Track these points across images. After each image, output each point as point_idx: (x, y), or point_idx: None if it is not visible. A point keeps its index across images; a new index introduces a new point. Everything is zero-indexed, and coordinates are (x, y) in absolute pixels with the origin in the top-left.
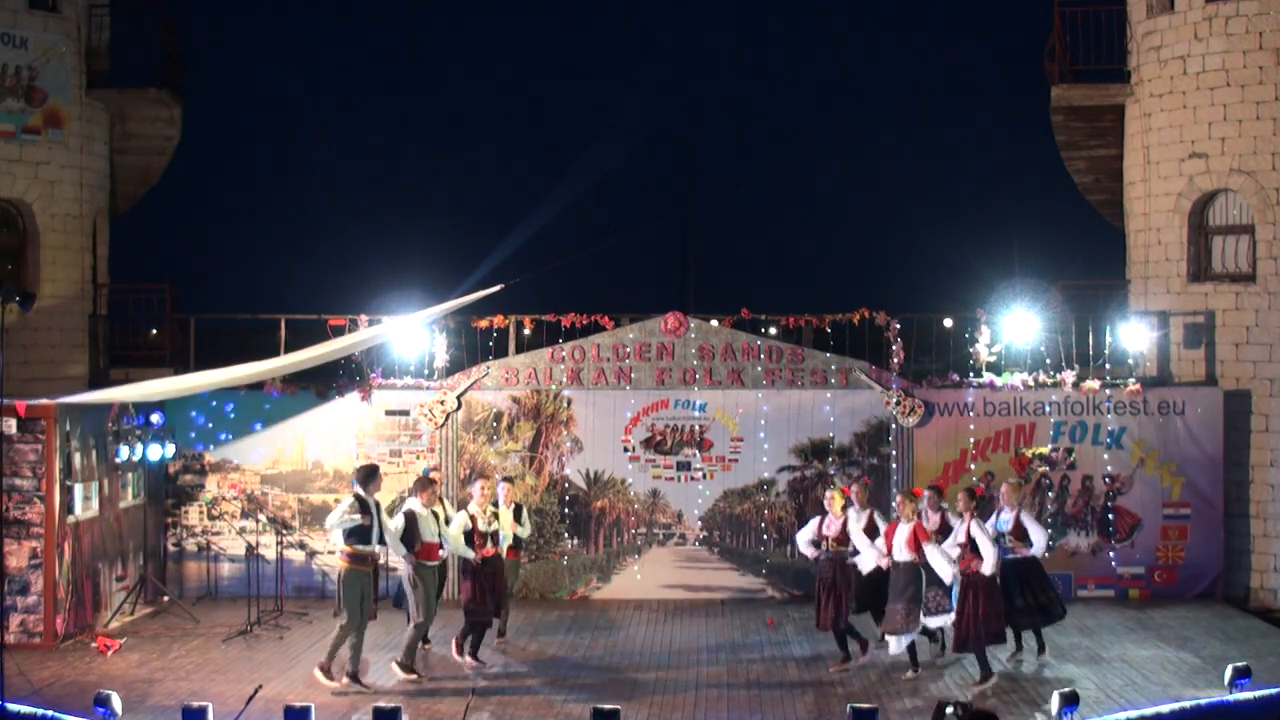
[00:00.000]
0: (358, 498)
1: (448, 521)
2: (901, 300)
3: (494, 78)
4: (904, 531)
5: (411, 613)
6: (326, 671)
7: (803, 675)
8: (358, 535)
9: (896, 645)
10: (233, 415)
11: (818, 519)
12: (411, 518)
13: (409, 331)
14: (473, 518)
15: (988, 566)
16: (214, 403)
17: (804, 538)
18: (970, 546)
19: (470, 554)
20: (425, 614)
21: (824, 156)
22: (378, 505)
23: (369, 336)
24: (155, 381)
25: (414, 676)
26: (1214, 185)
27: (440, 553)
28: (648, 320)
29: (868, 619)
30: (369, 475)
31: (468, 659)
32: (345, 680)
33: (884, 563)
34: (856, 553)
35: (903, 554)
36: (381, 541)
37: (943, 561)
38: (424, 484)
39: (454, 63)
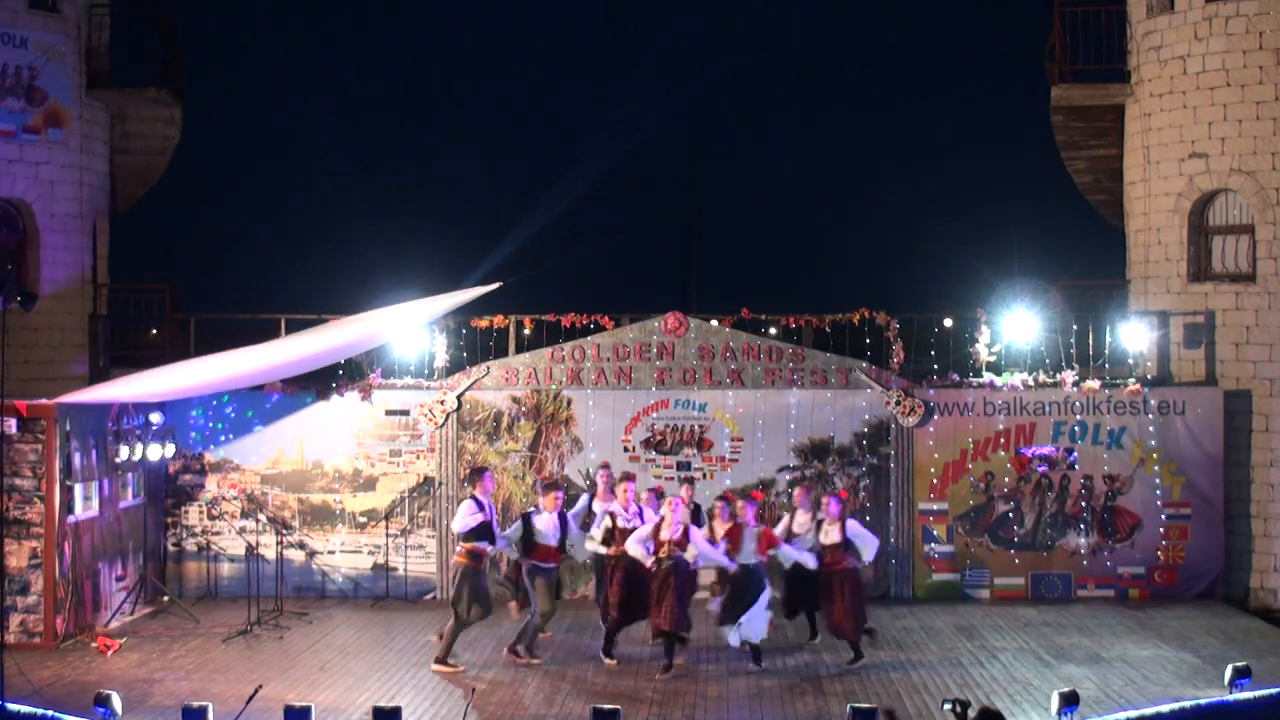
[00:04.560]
0: (473, 498)
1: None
2: (901, 300)
3: (494, 77)
4: (752, 535)
5: (533, 604)
6: (443, 661)
7: (803, 675)
8: (476, 533)
9: (734, 637)
10: (232, 415)
11: (653, 523)
12: (528, 521)
13: (407, 323)
14: (612, 515)
15: (869, 555)
16: (214, 403)
17: (636, 541)
18: (844, 546)
19: (605, 550)
20: (547, 605)
21: (824, 156)
22: (490, 503)
23: (368, 332)
24: (153, 372)
25: (530, 661)
26: (1214, 185)
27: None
28: (648, 320)
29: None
30: (473, 476)
31: (607, 660)
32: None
33: (733, 567)
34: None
35: (751, 557)
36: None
37: (801, 556)
38: (548, 488)
39: (454, 62)
